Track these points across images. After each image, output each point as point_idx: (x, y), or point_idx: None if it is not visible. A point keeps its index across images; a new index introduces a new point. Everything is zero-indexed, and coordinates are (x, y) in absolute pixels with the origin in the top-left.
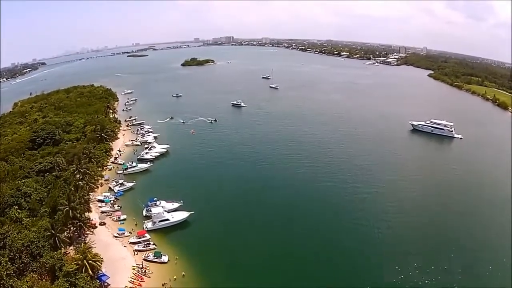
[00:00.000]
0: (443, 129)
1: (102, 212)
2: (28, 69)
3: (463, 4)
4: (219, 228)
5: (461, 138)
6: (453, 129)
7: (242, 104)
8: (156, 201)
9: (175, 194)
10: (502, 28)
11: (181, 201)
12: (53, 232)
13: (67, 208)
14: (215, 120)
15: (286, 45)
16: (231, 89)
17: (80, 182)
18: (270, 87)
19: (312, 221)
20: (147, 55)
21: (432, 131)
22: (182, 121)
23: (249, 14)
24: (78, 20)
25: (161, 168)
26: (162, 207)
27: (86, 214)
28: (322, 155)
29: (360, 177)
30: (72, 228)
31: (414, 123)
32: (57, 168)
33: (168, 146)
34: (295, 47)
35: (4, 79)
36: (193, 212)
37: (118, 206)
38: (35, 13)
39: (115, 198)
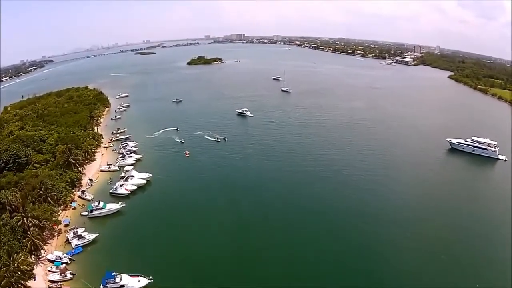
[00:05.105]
0: (486, 149)
1: (50, 281)
2: (34, 67)
3: (474, 3)
4: None
5: (505, 160)
6: (496, 149)
7: (248, 113)
8: (115, 276)
9: (146, 259)
10: None
11: (151, 277)
12: None
13: None
14: (224, 139)
15: (298, 43)
16: (237, 93)
17: (30, 230)
18: (282, 90)
19: None
20: (155, 53)
21: (474, 151)
22: (179, 140)
23: (261, 12)
24: (91, 17)
25: (135, 211)
26: (123, 286)
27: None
28: (350, 191)
29: (402, 223)
30: None
31: (453, 141)
32: (9, 208)
33: (150, 175)
34: (307, 45)
35: (7, 77)
36: None
37: (70, 273)
38: (48, 10)
39: (70, 258)
